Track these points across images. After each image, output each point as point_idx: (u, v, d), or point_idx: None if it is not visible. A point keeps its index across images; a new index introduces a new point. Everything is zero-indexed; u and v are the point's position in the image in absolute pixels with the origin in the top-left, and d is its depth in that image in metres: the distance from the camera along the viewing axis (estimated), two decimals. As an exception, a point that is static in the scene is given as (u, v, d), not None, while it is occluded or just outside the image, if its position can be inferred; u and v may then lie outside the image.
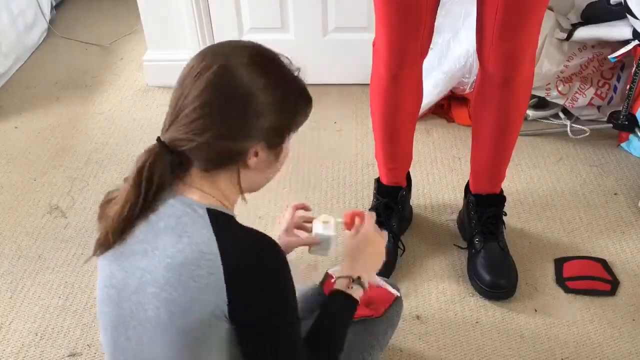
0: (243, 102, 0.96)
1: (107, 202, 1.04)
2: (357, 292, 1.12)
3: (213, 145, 0.96)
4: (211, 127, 0.95)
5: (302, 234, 1.34)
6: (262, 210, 1.94)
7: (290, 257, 1.12)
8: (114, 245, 0.99)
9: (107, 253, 1.01)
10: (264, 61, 1.00)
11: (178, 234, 0.96)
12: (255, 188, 1.08)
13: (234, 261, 0.94)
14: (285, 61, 1.02)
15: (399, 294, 1.37)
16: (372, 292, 1.34)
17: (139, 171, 0.96)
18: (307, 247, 1.33)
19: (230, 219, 1.00)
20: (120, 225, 0.98)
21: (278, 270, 0.97)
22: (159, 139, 0.98)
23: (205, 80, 0.95)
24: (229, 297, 0.93)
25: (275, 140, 1.02)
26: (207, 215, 0.97)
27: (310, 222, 1.34)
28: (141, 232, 0.98)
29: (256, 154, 1.00)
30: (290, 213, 1.35)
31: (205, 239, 0.95)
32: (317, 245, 1.31)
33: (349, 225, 1.28)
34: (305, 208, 1.38)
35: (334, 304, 1.11)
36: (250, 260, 0.95)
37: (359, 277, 1.13)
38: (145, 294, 0.97)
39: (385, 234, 1.27)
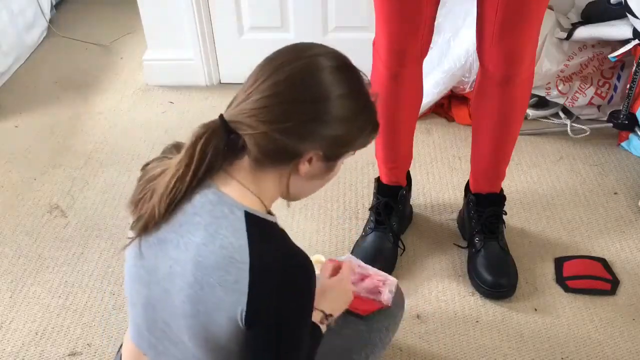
0: (317, 103, 0.95)
1: (151, 176, 1.01)
2: (324, 327, 1.11)
3: (273, 137, 0.94)
4: (277, 118, 0.93)
5: None
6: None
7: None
8: (159, 223, 0.97)
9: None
10: (349, 72, 0.99)
11: (212, 234, 0.94)
12: (297, 196, 1.06)
13: (261, 272, 0.93)
14: (367, 82, 1.02)
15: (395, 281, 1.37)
16: (370, 281, 1.34)
17: (193, 145, 0.94)
18: None
19: (268, 225, 0.98)
20: (167, 201, 0.96)
21: (305, 286, 0.96)
22: (221, 115, 0.96)
23: (287, 72, 0.94)
24: (249, 304, 0.92)
25: (333, 154, 1.00)
26: (244, 219, 0.95)
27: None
28: (176, 221, 0.97)
29: (310, 161, 0.98)
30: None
31: (239, 246, 0.93)
32: None
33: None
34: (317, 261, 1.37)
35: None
36: (279, 273, 0.94)
37: (330, 315, 1.12)
38: (174, 285, 0.97)
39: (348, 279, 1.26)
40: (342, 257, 1.39)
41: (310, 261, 0.98)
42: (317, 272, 1.24)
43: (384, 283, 1.34)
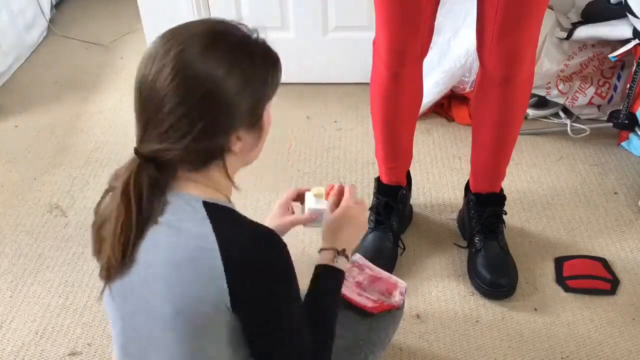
0: (210, 98, 0.91)
1: (98, 223, 1.00)
2: (341, 264, 1.13)
3: (193, 148, 0.93)
4: (186, 132, 0.91)
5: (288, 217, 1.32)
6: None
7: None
8: (122, 267, 0.97)
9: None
10: (217, 45, 0.92)
11: (176, 230, 0.95)
12: (249, 163, 1.06)
13: (233, 254, 0.93)
14: (239, 32, 0.95)
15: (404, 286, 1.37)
16: (382, 284, 1.35)
17: (125, 191, 0.93)
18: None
19: (228, 211, 0.99)
20: (120, 246, 0.95)
21: (278, 261, 0.97)
22: (136, 150, 0.94)
23: (165, 85, 0.90)
24: (230, 288, 0.93)
25: (254, 119, 0.98)
26: (203, 209, 0.96)
27: (302, 198, 1.32)
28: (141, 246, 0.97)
29: (239, 139, 0.97)
30: (283, 197, 1.32)
31: (203, 234, 0.94)
32: (312, 220, 1.29)
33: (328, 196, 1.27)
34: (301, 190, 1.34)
35: (324, 279, 1.11)
36: (250, 252, 0.94)
37: (343, 250, 1.13)
38: (150, 289, 0.97)
39: (365, 202, 1.25)
40: (354, 256, 1.40)
41: (278, 236, 0.98)
42: (316, 206, 1.25)
43: (396, 286, 1.35)
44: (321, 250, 1.16)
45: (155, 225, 0.96)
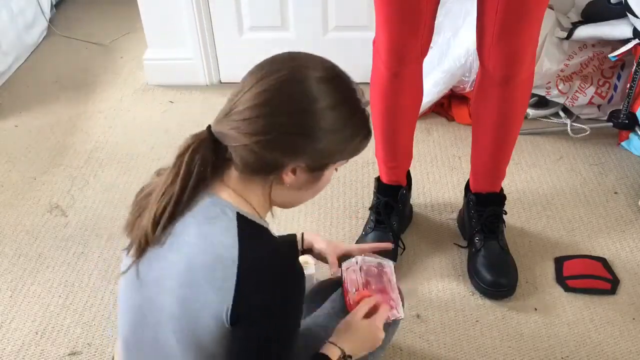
0: (299, 115, 0.92)
1: (143, 195, 1.01)
2: None
3: (253, 150, 0.93)
4: (258, 131, 0.92)
5: None
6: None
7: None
8: (153, 242, 0.97)
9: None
10: (338, 81, 0.95)
11: (204, 234, 0.95)
12: (287, 206, 1.06)
13: (249, 271, 0.92)
14: (357, 89, 0.98)
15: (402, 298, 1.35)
16: (385, 298, 1.31)
17: (181, 155, 0.95)
18: None
19: (260, 228, 0.98)
20: (156, 216, 0.95)
21: (291, 290, 0.96)
22: (209, 127, 0.96)
23: (268, 83, 0.91)
24: (234, 302, 0.92)
25: (318, 165, 0.98)
26: (235, 219, 0.95)
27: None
28: (172, 230, 0.97)
29: (294, 172, 0.97)
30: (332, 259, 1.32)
31: (228, 244, 0.94)
32: None
33: (353, 307, 1.22)
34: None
35: None
36: (265, 273, 0.93)
37: (349, 356, 1.10)
38: (164, 287, 0.97)
39: (383, 333, 1.18)
40: (352, 259, 1.37)
41: (299, 262, 0.98)
42: (307, 272, 1.22)
43: (396, 302, 1.29)
44: (330, 342, 1.11)
45: (185, 222, 0.96)
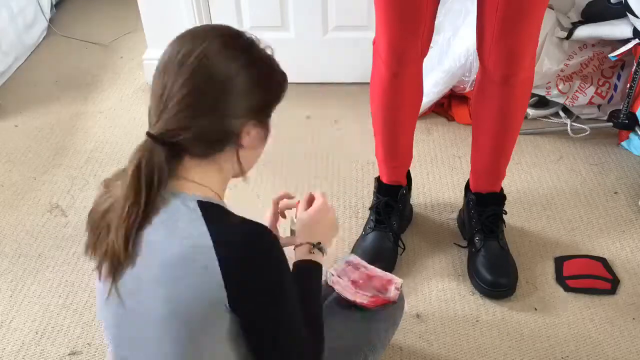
0: (226, 84, 0.98)
1: (100, 214, 1.01)
2: (318, 257, 1.16)
3: (208, 129, 0.98)
4: (203, 112, 0.97)
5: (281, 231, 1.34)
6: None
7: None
8: (125, 258, 0.97)
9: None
10: (236, 44, 1.01)
11: (171, 230, 0.96)
12: (249, 167, 1.09)
13: (229, 251, 0.94)
14: (256, 41, 1.04)
15: (399, 284, 1.37)
16: (377, 281, 1.36)
17: (136, 170, 0.95)
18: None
19: (222, 209, 1.01)
20: (124, 230, 0.96)
21: (272, 256, 0.98)
22: (148, 133, 0.98)
23: (189, 68, 0.96)
24: (227, 286, 0.93)
25: (263, 117, 1.04)
26: (198, 208, 0.97)
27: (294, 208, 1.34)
28: (141, 237, 0.97)
29: (248, 133, 1.02)
30: (271, 210, 1.33)
31: (198, 232, 0.95)
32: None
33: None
34: (287, 196, 1.35)
35: (306, 276, 1.14)
36: (245, 249, 0.95)
37: (319, 242, 1.17)
38: (145, 291, 0.97)
39: (333, 208, 1.28)
40: (348, 256, 1.41)
41: (271, 232, 1.00)
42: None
43: (391, 282, 1.36)
44: (296, 247, 1.18)
45: (149, 226, 0.97)
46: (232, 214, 1.00)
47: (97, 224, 1.01)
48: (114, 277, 0.99)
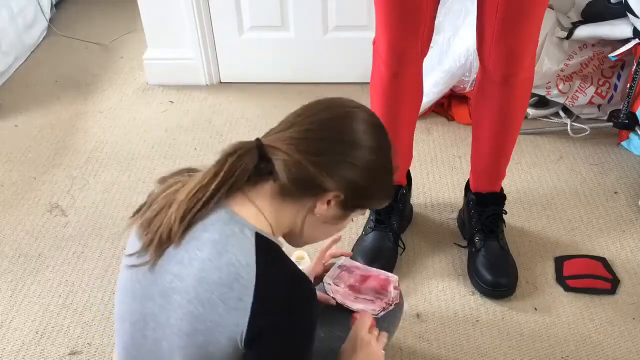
0: (350, 146, 1.00)
1: (171, 191, 1.00)
2: None
3: (305, 167, 0.97)
4: (313, 151, 0.98)
5: None
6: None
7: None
8: (173, 239, 0.96)
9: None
10: (381, 131, 1.05)
11: (219, 251, 0.94)
12: (305, 237, 1.09)
13: (266, 291, 0.93)
14: (393, 149, 1.07)
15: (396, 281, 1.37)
16: (373, 280, 1.35)
17: (227, 155, 0.96)
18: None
19: (277, 249, 0.99)
20: (183, 209, 0.95)
21: (306, 310, 0.97)
22: (257, 139, 0.99)
23: (330, 114, 1.02)
24: (250, 323, 0.92)
25: (351, 202, 1.04)
26: (254, 240, 0.96)
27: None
28: (186, 237, 0.97)
29: (329, 203, 1.02)
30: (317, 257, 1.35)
31: (246, 264, 0.94)
32: None
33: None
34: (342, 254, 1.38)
35: None
36: (282, 294, 0.94)
37: None
38: (171, 300, 0.96)
39: (384, 335, 1.17)
40: (338, 260, 1.39)
41: (313, 286, 1.00)
42: (301, 267, 1.25)
43: (388, 281, 1.35)
44: None
45: (197, 233, 0.96)
46: (285, 258, 0.99)
47: (166, 199, 1.00)
48: (157, 254, 0.98)
